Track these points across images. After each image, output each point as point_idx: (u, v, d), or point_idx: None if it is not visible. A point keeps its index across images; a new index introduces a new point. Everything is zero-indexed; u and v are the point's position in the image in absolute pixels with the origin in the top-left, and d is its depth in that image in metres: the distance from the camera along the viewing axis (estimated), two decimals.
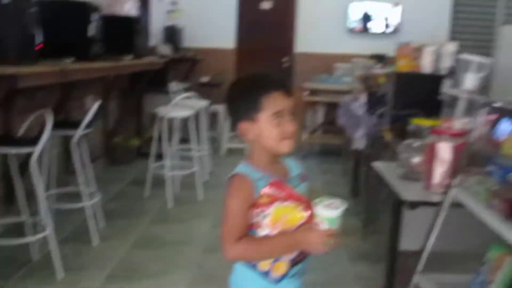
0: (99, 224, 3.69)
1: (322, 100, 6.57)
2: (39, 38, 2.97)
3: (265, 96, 1.42)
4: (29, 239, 3.07)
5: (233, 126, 1.51)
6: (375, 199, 3.61)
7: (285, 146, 1.43)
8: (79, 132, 3.28)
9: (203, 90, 7.90)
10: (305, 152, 6.35)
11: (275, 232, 1.38)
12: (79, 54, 3.51)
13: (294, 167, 1.53)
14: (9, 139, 3.14)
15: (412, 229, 2.16)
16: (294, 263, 1.43)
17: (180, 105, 4.68)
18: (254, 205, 1.38)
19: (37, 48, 2.92)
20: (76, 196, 3.60)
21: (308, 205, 1.37)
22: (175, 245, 3.52)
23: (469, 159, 1.91)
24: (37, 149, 2.76)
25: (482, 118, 1.94)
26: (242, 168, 1.45)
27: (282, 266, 1.42)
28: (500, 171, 1.54)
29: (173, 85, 5.83)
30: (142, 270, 3.12)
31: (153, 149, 4.55)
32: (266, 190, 1.38)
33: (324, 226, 1.33)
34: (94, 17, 3.81)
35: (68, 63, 3.18)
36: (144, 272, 3.09)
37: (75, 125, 3.31)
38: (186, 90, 6.43)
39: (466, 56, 2.32)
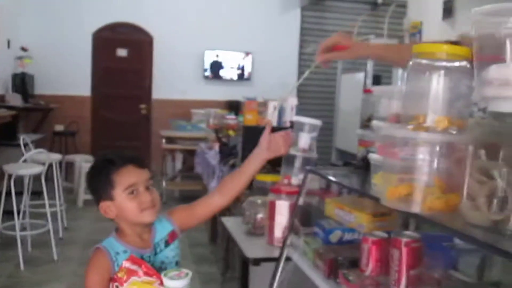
0: None
1: (180, 148, 6.68)
2: None
3: (116, 173, 1.47)
4: None
5: (97, 205, 1.53)
6: (229, 248, 3.76)
7: (146, 216, 1.49)
8: None
9: (57, 140, 7.65)
10: (165, 199, 6.39)
11: None
12: None
13: (162, 228, 1.57)
14: None
15: (258, 282, 2.32)
16: None
17: (31, 160, 4.51)
18: (112, 279, 1.42)
19: None
20: None
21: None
22: None
23: (304, 217, 2.12)
24: None
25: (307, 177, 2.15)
26: (106, 241, 1.50)
27: None
28: (322, 233, 1.75)
29: (24, 137, 5.58)
30: None
31: (1, 207, 4.31)
32: (125, 264, 1.41)
33: None
34: None
35: None
36: None
37: None
38: (39, 140, 6.19)
39: (299, 118, 2.58)
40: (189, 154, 6.45)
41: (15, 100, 6.76)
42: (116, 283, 1.41)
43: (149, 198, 1.48)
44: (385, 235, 1.51)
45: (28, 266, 4.16)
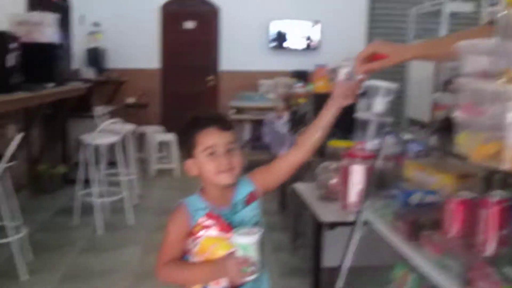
0: (27, 257, 3.62)
1: (248, 118, 6.70)
2: None
3: (198, 133, 1.50)
4: None
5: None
6: (300, 215, 3.77)
7: (222, 178, 1.50)
8: (2, 166, 3.23)
9: (129, 112, 7.87)
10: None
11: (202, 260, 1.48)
12: None
13: (243, 188, 1.58)
14: None
15: (332, 247, 2.31)
16: None
17: (106, 131, 4.67)
18: (190, 233, 1.48)
19: None
20: (2, 230, 3.52)
21: None
22: (106, 275, 3.51)
23: (380, 181, 2.08)
24: None
25: (389, 140, 2.11)
26: (189, 198, 1.55)
27: None
28: (402, 195, 1.71)
29: (98, 109, 5.78)
30: None
31: (80, 176, 4.51)
32: (201, 220, 1.46)
33: (239, 253, 1.39)
34: (13, 46, 3.75)
35: None
36: None
37: None
38: (112, 112, 6.39)
39: (374, 82, 2.51)
40: (257, 124, 6.47)
41: (89, 73, 7.01)
42: (192, 237, 1.48)
43: (226, 161, 1.48)
44: (471, 195, 1.45)
45: (106, 230, 4.35)
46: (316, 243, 2.30)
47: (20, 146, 3.63)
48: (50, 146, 5.63)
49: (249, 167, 5.48)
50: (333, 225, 2.12)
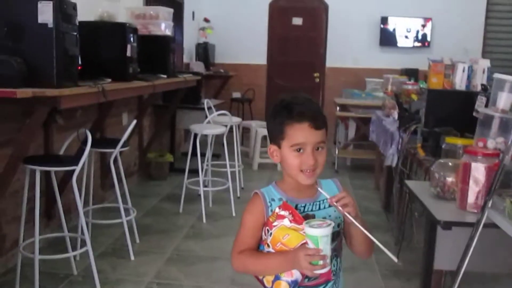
0: (135, 239, 3.78)
1: (354, 115, 6.56)
2: (78, 60, 3.08)
3: (289, 126, 1.43)
4: (69, 254, 3.17)
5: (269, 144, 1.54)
6: (408, 216, 3.60)
7: (302, 178, 1.45)
8: (116, 151, 3.38)
9: (234, 105, 8.02)
10: (336, 167, 6.36)
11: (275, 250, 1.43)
12: (116, 75, 3.62)
13: (328, 189, 1.51)
14: (51, 158, 3.27)
15: (446, 248, 2.16)
16: (299, 286, 1.44)
17: (213, 122, 4.77)
18: (266, 223, 1.45)
19: (77, 70, 3.03)
20: (112, 211, 3.70)
21: None
22: (209, 261, 3.57)
23: (504, 179, 1.91)
24: (77, 168, 2.86)
25: None
26: (265, 188, 1.52)
27: (282, 286, 1.44)
28: None
29: (206, 101, 5.92)
30: (177, 286, 3.17)
31: (187, 165, 4.64)
32: (276, 210, 1.42)
33: (310, 245, 1.34)
34: (132, 37, 3.92)
35: (106, 84, 3.28)
36: None
37: (112, 143, 3.41)
38: (219, 105, 6.53)
39: (500, 75, 2.32)
40: (362, 122, 6.32)
41: (199, 67, 7.21)
42: (267, 227, 1.44)
43: (312, 162, 1.42)
44: None
45: (209, 219, 4.43)
46: (429, 243, 2.17)
47: (132, 134, 3.81)
48: (159, 135, 5.86)
49: (353, 166, 5.39)
50: (449, 225, 1.98)
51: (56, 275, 3.17)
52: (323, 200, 1.50)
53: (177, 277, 3.30)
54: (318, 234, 1.32)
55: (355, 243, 1.50)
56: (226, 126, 4.78)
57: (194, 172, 4.67)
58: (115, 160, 3.52)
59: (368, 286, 3.25)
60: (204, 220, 4.40)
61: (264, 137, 6.59)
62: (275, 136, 1.47)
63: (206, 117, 4.70)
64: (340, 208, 1.39)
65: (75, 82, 2.96)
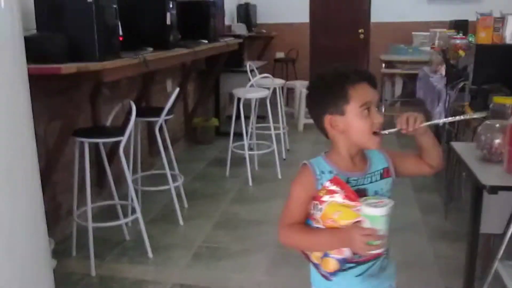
0: (183, 204, 3.87)
1: (400, 72, 6.40)
2: (119, 32, 3.12)
3: (352, 87, 1.38)
4: (121, 221, 3.29)
5: (316, 121, 1.46)
6: (456, 176, 3.54)
7: (374, 143, 1.40)
8: (161, 119, 3.44)
9: (278, 66, 7.96)
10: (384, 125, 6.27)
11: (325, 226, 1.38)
12: (157, 43, 3.65)
13: (378, 161, 1.48)
14: (99, 130, 3.36)
15: (493, 212, 2.13)
16: (347, 262, 1.40)
17: (257, 85, 4.76)
18: (315, 197, 1.39)
19: (119, 42, 3.07)
20: (160, 178, 3.80)
21: None
22: (256, 225, 3.63)
23: None
24: (124, 138, 2.93)
25: None
26: (314, 160, 1.46)
27: (330, 263, 1.41)
28: None
29: (249, 64, 5.90)
30: (224, 250, 3.26)
31: (232, 129, 4.67)
32: (327, 184, 1.36)
33: (366, 224, 1.28)
34: (171, 5, 3.92)
35: (148, 54, 3.31)
36: (227, 251, 3.23)
37: (157, 112, 3.47)
38: (262, 67, 6.49)
39: None
40: (409, 79, 6.16)
41: (240, 29, 7.15)
42: (316, 202, 1.38)
43: (381, 120, 1.38)
44: None
45: (255, 182, 4.49)
46: (475, 207, 2.13)
47: (177, 100, 3.85)
48: (204, 100, 5.91)
49: None
50: (495, 189, 1.93)
51: (109, 241, 3.31)
52: (374, 173, 1.45)
53: (224, 240, 3.38)
54: (378, 214, 1.27)
55: (429, 154, 1.49)
56: (269, 88, 4.76)
57: (239, 135, 4.70)
58: (161, 128, 3.58)
59: (414, 247, 3.23)
60: (250, 183, 4.46)
61: None
62: (336, 104, 1.39)
63: (249, 80, 4.70)
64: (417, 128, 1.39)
65: (117, 54, 3.01)
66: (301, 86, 6.60)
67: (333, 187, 1.34)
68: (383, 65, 6.44)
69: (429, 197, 4.01)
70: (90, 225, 2.95)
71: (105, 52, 2.84)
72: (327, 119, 1.42)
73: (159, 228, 3.53)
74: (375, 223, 1.27)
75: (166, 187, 3.64)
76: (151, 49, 3.48)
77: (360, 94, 1.38)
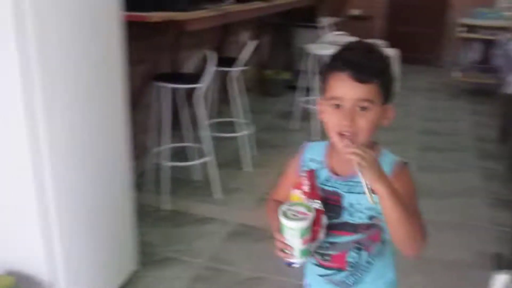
0: (251, 152, 4.08)
1: (478, 37, 6.22)
2: None
3: (330, 75, 1.19)
4: (193, 162, 3.54)
5: None
6: None
7: (337, 142, 1.18)
8: (236, 70, 3.61)
9: (353, 24, 7.89)
10: (457, 90, 6.18)
11: None
12: None
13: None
14: (178, 76, 3.58)
15: None
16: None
17: (329, 42, 4.82)
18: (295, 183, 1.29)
19: None
20: (231, 126, 4.00)
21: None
22: None
23: None
24: (202, 86, 3.13)
25: None
26: (315, 143, 1.36)
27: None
28: None
29: (323, 20, 5.92)
30: None
31: (301, 84, 4.79)
32: (301, 174, 1.28)
33: (281, 230, 1.18)
34: None
35: (228, 6, 3.46)
36: None
37: (232, 62, 3.63)
38: (336, 24, 6.49)
39: None
40: (488, 45, 6.00)
41: None
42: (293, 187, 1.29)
43: (346, 122, 1.15)
44: None
45: (321, 138, 4.60)
46: None
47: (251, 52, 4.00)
48: (276, 54, 6.02)
49: (474, 90, 5.19)
50: None
51: (181, 180, 3.57)
52: (357, 183, 1.16)
53: None
54: (284, 223, 1.16)
55: (392, 232, 1.16)
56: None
57: (308, 90, 4.81)
58: (236, 79, 3.75)
59: (471, 211, 3.30)
60: (316, 139, 4.58)
61: None
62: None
63: (322, 36, 4.76)
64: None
65: (201, 5, 3.17)
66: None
67: (303, 180, 1.26)
68: (461, 29, 6.27)
69: (493, 165, 4.01)
70: (166, 163, 3.20)
71: (189, 3, 3.01)
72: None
73: (227, 173, 3.76)
74: (283, 230, 1.17)
75: (236, 134, 3.85)
76: (232, 1, 3.62)
77: (332, 85, 1.18)
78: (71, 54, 1.87)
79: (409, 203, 1.13)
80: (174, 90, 3.35)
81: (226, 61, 3.87)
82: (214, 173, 3.38)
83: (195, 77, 3.25)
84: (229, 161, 4.00)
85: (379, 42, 6.66)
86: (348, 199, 1.24)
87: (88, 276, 2.16)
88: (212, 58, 3.15)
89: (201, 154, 3.74)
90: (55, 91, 1.80)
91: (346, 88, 1.15)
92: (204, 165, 3.58)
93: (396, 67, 6.30)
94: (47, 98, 1.76)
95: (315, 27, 5.90)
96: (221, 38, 4.38)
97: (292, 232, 1.15)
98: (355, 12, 8.13)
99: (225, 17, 3.32)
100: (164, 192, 3.24)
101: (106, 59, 2.09)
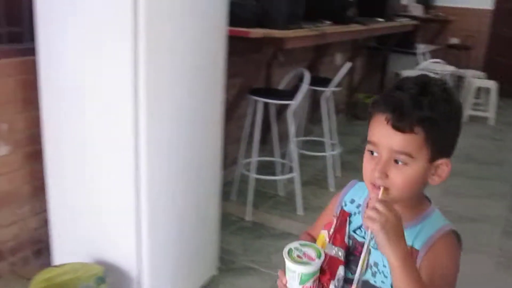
0: (336, 172, 4.07)
1: None
2: (304, 4, 3.34)
3: (374, 114, 1.05)
4: (279, 177, 3.59)
5: None
6: None
7: (370, 192, 1.07)
8: (329, 90, 3.64)
9: (450, 52, 7.70)
10: None
11: None
12: (336, 18, 3.82)
13: (412, 234, 1.07)
14: (272, 91, 3.67)
15: None
16: None
17: (426, 69, 4.74)
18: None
19: (303, 14, 3.30)
20: (317, 145, 4.02)
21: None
22: None
23: None
24: (294, 102, 3.19)
25: None
26: (360, 184, 1.22)
27: None
28: None
29: (420, 47, 5.85)
30: None
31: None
32: (335, 214, 1.20)
33: (286, 271, 1.10)
34: None
35: (326, 27, 3.51)
36: None
37: (325, 82, 3.67)
38: (434, 51, 6.37)
39: None
40: None
41: (417, 10, 7.02)
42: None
43: (377, 175, 1.01)
44: None
45: None
46: None
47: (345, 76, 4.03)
48: (369, 77, 5.99)
49: None
50: None
51: (264, 194, 3.64)
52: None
53: None
54: (287, 264, 1.07)
55: None
56: (437, 74, 4.72)
57: None
58: (327, 99, 3.79)
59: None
60: None
61: (477, 89, 6.27)
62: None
63: (419, 63, 4.70)
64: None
65: (299, 24, 3.25)
66: (472, 76, 6.36)
67: (334, 219, 1.17)
68: None
69: None
70: (253, 175, 3.28)
71: (289, 22, 3.09)
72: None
73: (311, 190, 3.78)
74: (286, 270, 1.09)
75: (323, 153, 3.87)
76: (329, 22, 3.67)
77: (371, 127, 1.06)
78: (180, 66, 1.99)
79: (431, 278, 0.98)
80: (266, 105, 3.43)
81: (318, 80, 3.92)
82: (298, 189, 3.42)
83: (288, 94, 3.31)
84: (313, 179, 4.02)
85: (475, 73, 6.46)
86: (374, 256, 1.09)
87: (171, 274, 2.26)
88: (308, 76, 3.20)
89: (287, 170, 3.79)
90: (161, 99, 1.93)
91: (382, 134, 1.01)
92: (289, 180, 3.62)
93: (493, 99, 6.07)
94: (152, 105, 1.89)
95: (412, 53, 5.83)
96: (314, 57, 4.43)
97: (292, 275, 1.07)
98: (454, 40, 7.92)
99: (322, 38, 3.37)
100: (248, 203, 3.31)
101: (210, 71, 2.20)
